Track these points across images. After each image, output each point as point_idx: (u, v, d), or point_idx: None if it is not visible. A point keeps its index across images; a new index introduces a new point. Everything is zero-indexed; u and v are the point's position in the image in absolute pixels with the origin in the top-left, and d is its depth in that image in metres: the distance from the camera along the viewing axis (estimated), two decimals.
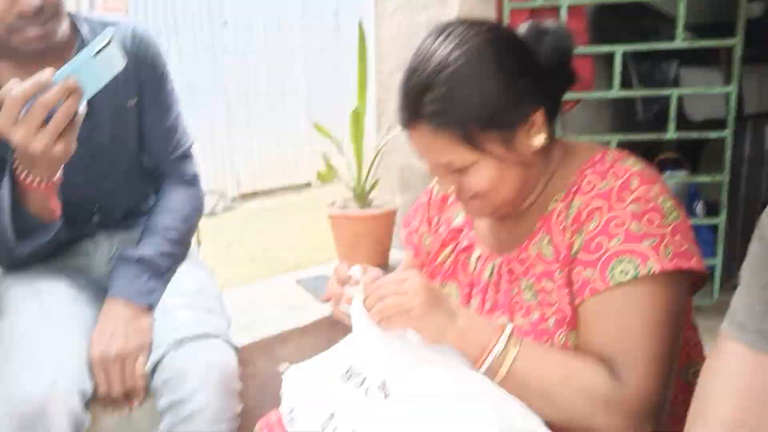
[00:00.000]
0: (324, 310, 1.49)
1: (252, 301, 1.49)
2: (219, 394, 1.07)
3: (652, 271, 0.80)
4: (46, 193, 1.07)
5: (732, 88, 1.74)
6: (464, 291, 1.04)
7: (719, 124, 1.81)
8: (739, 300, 0.65)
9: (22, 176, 1.04)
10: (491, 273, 1.00)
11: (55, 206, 1.11)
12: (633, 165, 0.88)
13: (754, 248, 0.65)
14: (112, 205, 1.35)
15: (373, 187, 1.79)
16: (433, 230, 1.19)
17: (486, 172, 0.88)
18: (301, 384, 0.96)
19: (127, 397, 1.12)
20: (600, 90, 1.88)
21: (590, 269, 0.84)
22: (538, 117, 0.88)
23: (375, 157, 1.81)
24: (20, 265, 1.24)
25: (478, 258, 1.04)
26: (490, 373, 0.83)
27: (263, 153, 5.88)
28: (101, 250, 1.34)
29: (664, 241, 0.81)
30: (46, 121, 0.93)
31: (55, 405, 0.98)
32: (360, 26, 1.75)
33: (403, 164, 1.97)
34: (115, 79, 0.97)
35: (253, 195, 5.72)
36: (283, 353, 1.38)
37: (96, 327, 1.15)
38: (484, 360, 0.83)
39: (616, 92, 1.77)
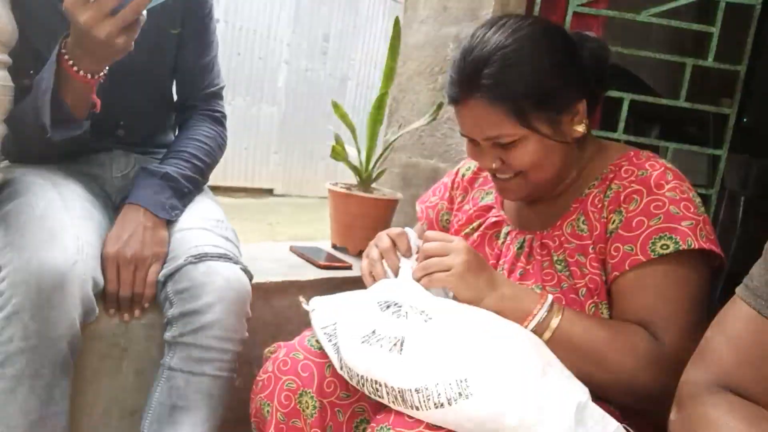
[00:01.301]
0: (322, 274, 1.49)
1: (251, 256, 1.47)
2: (232, 314, 1.06)
3: (691, 247, 0.86)
4: (88, 87, 1.06)
5: (723, 152, 1.89)
6: (490, 262, 1.08)
7: None
8: (758, 269, 0.73)
9: (69, 63, 1.03)
10: (521, 246, 1.04)
11: (91, 103, 1.10)
12: (666, 162, 0.96)
13: None
14: (136, 126, 1.34)
15: (379, 175, 1.82)
16: (456, 208, 1.24)
17: (532, 149, 0.94)
18: (335, 307, 0.96)
19: (133, 302, 1.09)
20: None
21: (630, 245, 0.90)
22: (582, 107, 0.96)
23: (385, 150, 1.85)
24: (42, 156, 1.20)
25: (508, 233, 1.08)
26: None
27: (230, 152, 5.82)
28: (117, 165, 1.32)
29: (699, 225, 0.89)
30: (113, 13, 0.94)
31: (73, 283, 0.95)
32: (397, 22, 1.82)
33: (407, 162, 2.02)
34: (163, 5, 0.98)
35: (214, 189, 5.65)
36: (281, 303, 1.36)
37: (113, 228, 1.12)
38: (527, 325, 0.87)
39: (619, 134, 1.89)
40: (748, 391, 0.69)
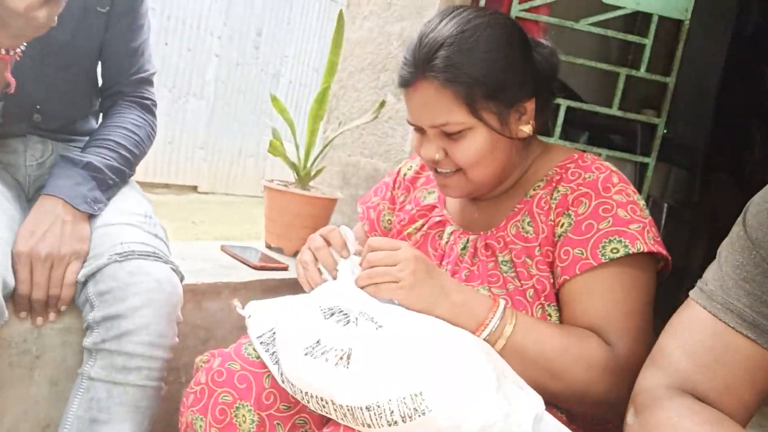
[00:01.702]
0: (257, 276, 1.41)
1: (180, 255, 1.37)
2: (162, 317, 0.97)
3: (640, 251, 0.86)
4: (1, 64, 0.96)
5: (651, 160, 1.95)
6: (434, 263, 1.04)
7: None
8: (712, 272, 0.73)
9: None
10: (464, 247, 1.02)
11: (4, 83, 0.99)
12: (610, 165, 0.96)
13: (735, 231, 0.73)
14: (54, 110, 1.22)
15: (318, 173, 1.75)
16: (398, 208, 1.20)
17: (477, 142, 0.92)
18: (273, 313, 0.89)
19: (47, 305, 0.98)
20: None
21: (581, 248, 0.89)
22: (530, 106, 0.95)
23: (324, 147, 1.79)
24: None
25: (452, 233, 1.05)
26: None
27: (153, 145, 5.55)
28: (32, 152, 1.19)
29: (647, 228, 0.89)
30: None
31: None
32: (341, 15, 1.76)
33: (347, 161, 1.96)
34: None
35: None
36: (212, 306, 1.28)
37: (26, 222, 1.01)
38: (479, 334, 0.84)
39: (555, 139, 1.92)
40: (705, 393, 0.70)
